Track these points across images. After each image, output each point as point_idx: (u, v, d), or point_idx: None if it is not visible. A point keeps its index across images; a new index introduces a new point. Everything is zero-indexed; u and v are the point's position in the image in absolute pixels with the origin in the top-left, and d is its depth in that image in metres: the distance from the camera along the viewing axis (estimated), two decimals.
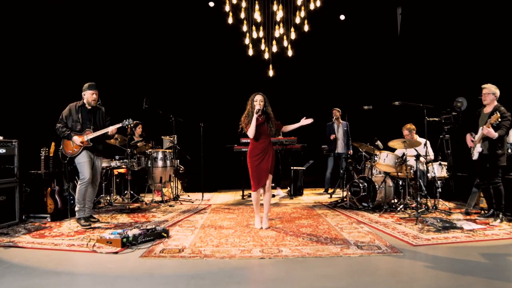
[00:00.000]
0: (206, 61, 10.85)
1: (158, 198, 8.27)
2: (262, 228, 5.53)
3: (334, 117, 9.58)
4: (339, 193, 9.30)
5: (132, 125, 6.26)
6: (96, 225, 5.82)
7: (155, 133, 9.13)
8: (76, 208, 5.77)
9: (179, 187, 9.20)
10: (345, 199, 7.85)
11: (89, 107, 5.90)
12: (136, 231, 4.76)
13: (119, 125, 5.93)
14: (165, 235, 4.99)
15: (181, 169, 9.66)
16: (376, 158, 7.30)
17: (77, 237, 5.07)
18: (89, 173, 5.71)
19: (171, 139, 8.69)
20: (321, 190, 10.21)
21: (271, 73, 8.99)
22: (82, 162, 5.72)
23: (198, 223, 5.99)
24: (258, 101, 5.47)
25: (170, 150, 8.46)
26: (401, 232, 5.16)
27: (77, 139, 5.71)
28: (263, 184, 5.50)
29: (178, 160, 9.56)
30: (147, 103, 7.82)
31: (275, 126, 5.62)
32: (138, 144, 7.96)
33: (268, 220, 5.69)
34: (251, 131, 5.47)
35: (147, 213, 6.95)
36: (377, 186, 7.05)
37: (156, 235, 4.92)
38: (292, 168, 9.11)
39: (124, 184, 8.31)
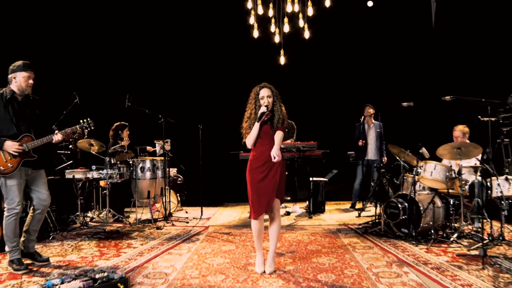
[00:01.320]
0: (202, 48, 9.20)
1: (148, 216, 6.74)
2: (265, 272, 3.93)
3: (366, 116, 7.86)
4: (369, 210, 7.60)
5: (90, 128, 4.75)
6: (41, 264, 4.32)
7: (142, 137, 7.60)
8: (7, 248, 4.17)
9: (175, 201, 7.67)
10: (377, 220, 6.18)
11: (20, 98, 4.22)
12: (75, 286, 3.24)
13: (70, 130, 4.46)
14: (121, 287, 3.45)
15: (179, 179, 8.14)
16: (420, 170, 5.60)
17: (6, 284, 3.62)
18: (20, 199, 4.14)
19: (167, 144, 7.17)
20: (346, 204, 8.53)
21: (282, 60, 7.29)
22: (12, 185, 4.10)
23: (180, 260, 4.43)
24: (265, 97, 3.92)
25: (161, 158, 6.93)
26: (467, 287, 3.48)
27: (10, 145, 4.06)
28: (267, 209, 3.93)
29: (175, 169, 8.05)
30: (130, 101, 6.33)
31: (283, 126, 4.03)
32: (118, 150, 6.45)
33: (276, 256, 4.09)
34: (250, 140, 3.96)
35: (123, 240, 5.44)
36: (421, 208, 5.36)
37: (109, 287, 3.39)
38: (311, 179, 7.47)
39: (110, 197, 6.85)
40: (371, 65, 9.36)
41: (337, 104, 9.13)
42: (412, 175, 5.75)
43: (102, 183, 6.68)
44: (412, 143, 6.01)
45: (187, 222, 6.68)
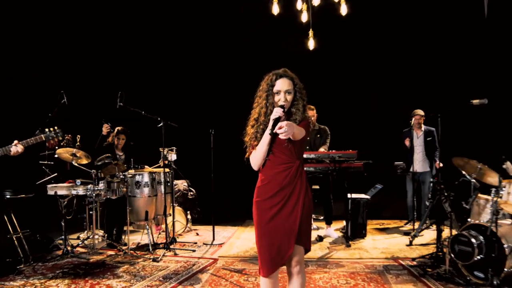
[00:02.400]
0: (211, 34, 7.78)
1: (150, 238, 5.47)
2: None
3: (414, 122, 6.41)
4: (421, 234, 6.06)
5: (58, 138, 4.15)
6: None
7: (139, 145, 6.32)
8: None
9: (184, 220, 6.38)
10: (439, 254, 4.67)
11: None
12: None
13: (32, 140, 3.93)
14: None
15: (190, 193, 6.86)
16: (502, 192, 4.07)
17: None
18: None
19: (172, 152, 5.91)
20: (391, 224, 7.01)
21: (311, 44, 5.78)
22: None
23: None
24: (282, 93, 2.61)
25: (160, 170, 5.65)
26: None
27: None
28: (283, 262, 2.58)
29: (186, 182, 6.78)
30: (122, 100, 5.11)
31: (306, 133, 2.66)
32: (105, 161, 5.23)
33: None
34: (256, 158, 2.68)
35: (103, 280, 4.21)
36: (505, 245, 3.84)
37: None
38: (349, 196, 6.01)
39: (108, 214, 5.69)
40: (424, 54, 7.68)
41: (381, 102, 7.54)
42: (488, 197, 4.23)
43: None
44: (480, 153, 4.48)
45: (194, 251, 5.37)
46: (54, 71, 7.23)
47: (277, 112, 2.50)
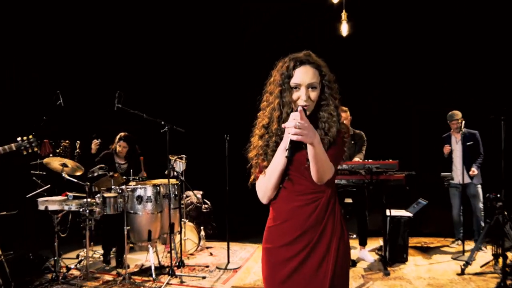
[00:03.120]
0: (218, 23, 6.89)
1: (153, 261, 4.70)
2: None
3: (453, 128, 5.51)
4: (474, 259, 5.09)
5: (32, 149, 3.68)
6: None
7: (144, 153, 5.56)
8: None
9: (196, 238, 5.60)
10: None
11: None
12: None
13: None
14: None
15: (204, 206, 6.10)
16: None
17: None
18: None
19: (181, 161, 5.16)
20: (435, 243, 6.05)
21: (344, 29, 4.84)
22: None
23: None
24: (303, 88, 1.78)
25: (172, 181, 4.86)
26: None
27: None
28: None
29: (200, 193, 6.02)
30: (120, 101, 4.37)
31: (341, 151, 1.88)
32: (99, 173, 4.49)
33: None
34: (266, 185, 1.86)
35: None
36: None
37: None
38: (388, 213, 5.11)
39: (105, 232, 5.00)
40: (483, 48, 6.58)
41: (427, 102, 6.50)
42: None
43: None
44: None
45: (204, 277, 4.58)
46: (50, 70, 6.52)
47: (294, 118, 1.65)
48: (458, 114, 5.64)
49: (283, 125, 1.70)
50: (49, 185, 4.92)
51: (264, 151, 1.85)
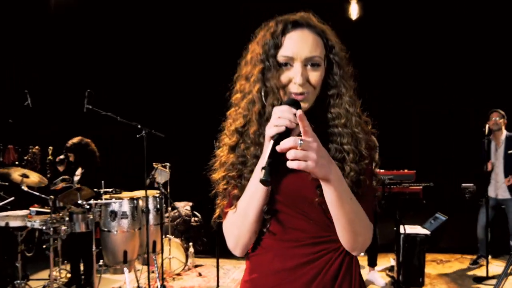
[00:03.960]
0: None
1: (130, 286, 4.07)
2: None
3: (492, 129, 4.76)
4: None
5: None
6: None
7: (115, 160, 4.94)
8: None
9: (183, 256, 4.95)
10: None
11: None
12: None
13: None
14: None
15: (194, 219, 5.47)
16: None
17: None
18: None
19: (164, 169, 4.53)
20: (452, 262, 5.41)
21: (354, 11, 4.17)
22: None
23: None
24: (299, 63, 1.11)
25: (153, 193, 4.22)
26: None
27: None
28: None
29: (189, 204, 5.40)
30: (90, 101, 3.75)
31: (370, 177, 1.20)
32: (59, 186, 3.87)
33: None
34: (239, 230, 1.21)
35: None
36: None
37: None
38: (402, 230, 4.44)
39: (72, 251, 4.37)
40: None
41: (447, 101, 5.79)
42: None
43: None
44: None
45: None
46: (18, 67, 5.85)
47: (281, 115, 1.05)
48: (498, 112, 4.90)
49: (267, 131, 1.06)
50: (12, 197, 4.29)
51: (238, 171, 1.21)
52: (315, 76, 1.14)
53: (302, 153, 0.97)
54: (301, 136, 0.99)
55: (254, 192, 1.13)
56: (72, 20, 6.05)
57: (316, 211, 1.15)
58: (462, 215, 5.25)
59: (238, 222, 1.18)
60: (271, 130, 1.04)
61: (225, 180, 1.23)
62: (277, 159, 1.00)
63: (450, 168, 5.46)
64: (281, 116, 1.03)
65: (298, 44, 1.13)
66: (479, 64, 5.85)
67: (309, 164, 0.97)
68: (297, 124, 1.01)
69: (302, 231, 1.17)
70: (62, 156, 4.37)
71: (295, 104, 1.08)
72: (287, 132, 1.03)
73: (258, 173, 1.06)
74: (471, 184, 5.07)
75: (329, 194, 1.07)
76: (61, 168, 4.45)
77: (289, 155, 0.97)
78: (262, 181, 0.97)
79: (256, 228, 1.18)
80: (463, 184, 5.11)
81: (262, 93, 1.16)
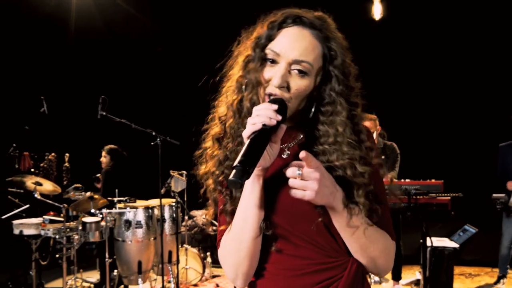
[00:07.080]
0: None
1: None
2: None
3: None
4: None
5: None
6: None
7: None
8: None
9: (200, 267, 4.83)
10: None
11: None
12: None
13: None
14: None
15: (212, 229, 5.37)
16: None
17: None
18: None
19: (181, 178, 4.42)
20: (479, 271, 5.23)
21: (377, 11, 3.98)
22: None
23: None
24: (283, 63, 1.01)
25: (168, 202, 4.11)
26: None
27: None
28: None
29: (206, 212, 5.23)
30: (104, 108, 3.67)
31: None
32: (71, 195, 3.80)
33: None
34: (237, 255, 1.08)
35: None
36: None
37: None
38: (429, 243, 4.21)
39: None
40: None
41: (478, 104, 5.53)
42: None
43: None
44: None
45: None
46: (33, 73, 5.85)
47: (259, 113, 0.96)
48: None
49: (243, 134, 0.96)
50: (27, 205, 4.25)
51: (224, 168, 1.11)
52: (297, 84, 1.01)
53: (300, 183, 0.94)
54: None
55: (244, 210, 1.03)
56: (87, 27, 6.03)
57: (320, 233, 1.05)
58: (492, 227, 4.97)
59: (234, 247, 1.07)
60: (247, 129, 0.94)
61: (212, 179, 1.12)
62: (256, 161, 0.90)
63: (480, 178, 5.21)
64: (259, 114, 0.93)
65: (289, 42, 1.01)
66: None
67: (308, 193, 0.94)
68: (278, 122, 0.93)
69: (303, 258, 1.06)
70: (98, 175, 4.43)
71: (278, 102, 0.97)
72: (267, 130, 0.93)
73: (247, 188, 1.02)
74: (503, 195, 4.80)
75: (336, 222, 1.02)
76: (98, 185, 4.49)
77: (289, 183, 0.95)
78: (229, 182, 0.86)
79: (254, 251, 1.06)
80: (494, 195, 4.85)
81: (242, 85, 1.06)
